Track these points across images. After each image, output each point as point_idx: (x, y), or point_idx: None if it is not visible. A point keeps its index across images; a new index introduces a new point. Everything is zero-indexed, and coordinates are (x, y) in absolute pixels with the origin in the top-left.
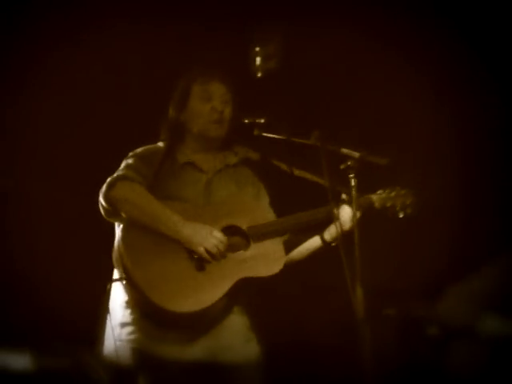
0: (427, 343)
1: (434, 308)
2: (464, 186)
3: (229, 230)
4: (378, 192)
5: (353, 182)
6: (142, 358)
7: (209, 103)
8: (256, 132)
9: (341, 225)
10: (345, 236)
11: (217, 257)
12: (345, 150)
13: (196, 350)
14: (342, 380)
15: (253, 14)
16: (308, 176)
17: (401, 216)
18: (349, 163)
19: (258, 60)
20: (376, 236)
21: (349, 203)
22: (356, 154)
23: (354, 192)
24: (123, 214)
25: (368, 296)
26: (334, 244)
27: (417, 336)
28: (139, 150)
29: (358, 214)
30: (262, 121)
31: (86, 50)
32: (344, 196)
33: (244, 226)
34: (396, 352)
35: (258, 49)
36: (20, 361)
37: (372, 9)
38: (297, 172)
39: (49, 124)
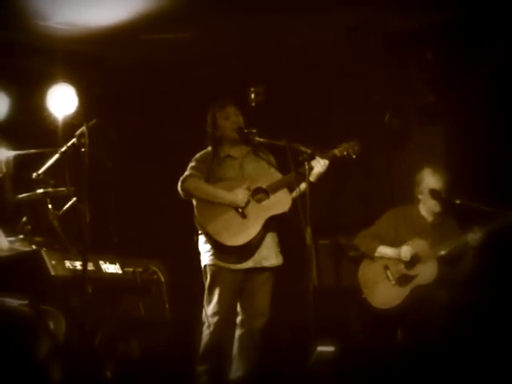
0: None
1: (353, 239)
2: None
3: (257, 190)
4: (337, 146)
5: (306, 166)
6: (216, 269)
7: (228, 120)
8: (251, 137)
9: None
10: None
11: (245, 206)
12: (302, 147)
13: (249, 262)
14: None
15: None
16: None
17: (354, 157)
18: (304, 155)
19: (252, 95)
20: (318, 194)
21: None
22: (308, 150)
23: (307, 170)
24: (193, 196)
25: (313, 231)
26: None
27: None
28: (197, 155)
29: (327, 162)
30: (254, 130)
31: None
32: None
33: (264, 186)
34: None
35: (252, 89)
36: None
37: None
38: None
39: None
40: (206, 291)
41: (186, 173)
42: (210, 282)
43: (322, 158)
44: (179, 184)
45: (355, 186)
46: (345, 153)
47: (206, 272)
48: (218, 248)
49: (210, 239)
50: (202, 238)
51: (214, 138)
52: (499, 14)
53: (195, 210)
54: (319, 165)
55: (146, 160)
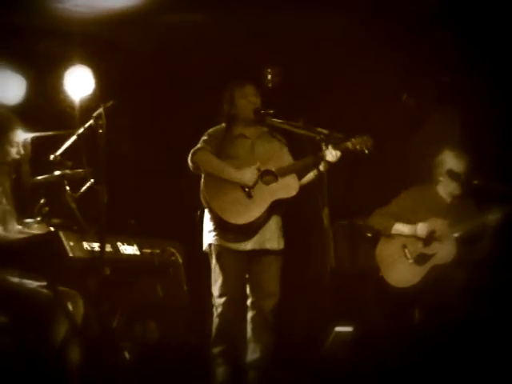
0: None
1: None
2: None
3: (266, 172)
4: (350, 139)
5: (323, 147)
6: (219, 249)
7: (246, 99)
8: (267, 118)
9: (325, 163)
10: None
11: (253, 186)
12: (319, 129)
13: (251, 242)
14: None
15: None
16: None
17: (366, 152)
18: (321, 136)
19: (269, 76)
20: (335, 178)
21: (333, 145)
22: (325, 131)
23: (324, 151)
24: (202, 169)
25: (330, 212)
26: (322, 171)
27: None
28: (210, 130)
29: (339, 154)
30: (271, 111)
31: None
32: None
33: (274, 169)
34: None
35: (269, 70)
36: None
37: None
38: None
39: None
40: (212, 271)
41: (198, 146)
42: (214, 262)
43: (334, 148)
44: (189, 156)
45: (372, 167)
46: (357, 146)
47: (210, 251)
48: (221, 226)
49: (214, 215)
50: (206, 216)
51: (229, 115)
52: None
53: (201, 184)
54: (330, 155)
55: (162, 142)
